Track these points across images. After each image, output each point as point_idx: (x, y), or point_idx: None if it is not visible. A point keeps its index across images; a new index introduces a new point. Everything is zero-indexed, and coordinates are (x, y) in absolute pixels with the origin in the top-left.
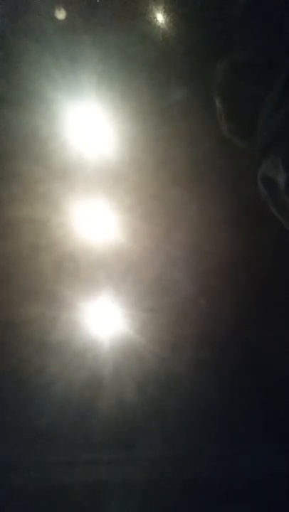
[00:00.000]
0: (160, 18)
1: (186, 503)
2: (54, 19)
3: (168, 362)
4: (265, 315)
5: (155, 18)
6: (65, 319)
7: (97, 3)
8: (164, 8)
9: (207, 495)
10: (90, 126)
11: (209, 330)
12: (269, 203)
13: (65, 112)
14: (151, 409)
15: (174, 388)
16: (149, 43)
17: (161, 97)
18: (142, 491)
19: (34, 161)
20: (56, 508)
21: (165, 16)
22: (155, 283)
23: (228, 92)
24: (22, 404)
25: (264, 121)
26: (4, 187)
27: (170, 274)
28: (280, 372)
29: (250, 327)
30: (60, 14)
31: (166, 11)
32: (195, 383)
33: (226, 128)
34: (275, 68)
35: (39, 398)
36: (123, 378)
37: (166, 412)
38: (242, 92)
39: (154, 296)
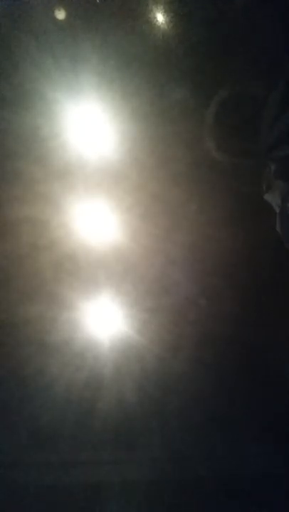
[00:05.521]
0: (160, 18)
1: (186, 503)
2: (54, 19)
3: (168, 362)
4: (265, 315)
5: (155, 18)
6: (65, 319)
7: (97, 3)
8: (164, 8)
9: (207, 495)
10: (90, 126)
11: (209, 330)
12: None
13: (65, 112)
14: (151, 409)
15: (174, 388)
16: (149, 43)
17: (161, 97)
18: (142, 491)
19: (34, 161)
20: (56, 508)
21: (165, 16)
22: (155, 283)
23: (219, 128)
24: (22, 404)
25: (269, 122)
26: (4, 187)
27: (170, 274)
28: (280, 372)
29: (250, 327)
30: (60, 14)
31: (166, 11)
32: (195, 383)
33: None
34: (278, 68)
35: (39, 398)
36: (123, 378)
37: (166, 412)
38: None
39: (154, 296)
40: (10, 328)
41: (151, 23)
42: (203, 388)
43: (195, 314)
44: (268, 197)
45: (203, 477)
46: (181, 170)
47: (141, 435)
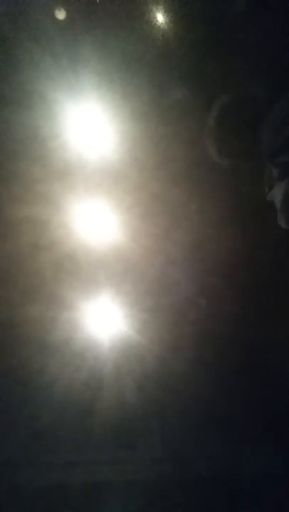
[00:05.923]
0: (160, 18)
1: (186, 503)
2: (54, 19)
3: (168, 362)
4: (265, 315)
5: (155, 18)
6: (65, 319)
7: (97, 3)
8: (164, 8)
9: (207, 495)
10: (90, 126)
11: (209, 330)
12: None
13: (65, 111)
14: (151, 409)
15: (174, 388)
16: (149, 43)
17: (161, 97)
18: (142, 491)
19: (34, 161)
20: (56, 508)
21: (165, 16)
22: (155, 283)
23: (220, 131)
24: (22, 404)
25: (273, 127)
26: (4, 187)
27: (170, 274)
28: (280, 372)
29: (250, 327)
30: (60, 14)
31: (166, 11)
32: (195, 383)
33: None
34: (282, 70)
35: (39, 398)
36: (123, 378)
37: (166, 412)
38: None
39: (154, 296)
40: (10, 328)
41: (151, 23)
42: (203, 388)
43: (195, 314)
44: (270, 196)
45: (203, 477)
46: (181, 170)
47: (141, 435)
